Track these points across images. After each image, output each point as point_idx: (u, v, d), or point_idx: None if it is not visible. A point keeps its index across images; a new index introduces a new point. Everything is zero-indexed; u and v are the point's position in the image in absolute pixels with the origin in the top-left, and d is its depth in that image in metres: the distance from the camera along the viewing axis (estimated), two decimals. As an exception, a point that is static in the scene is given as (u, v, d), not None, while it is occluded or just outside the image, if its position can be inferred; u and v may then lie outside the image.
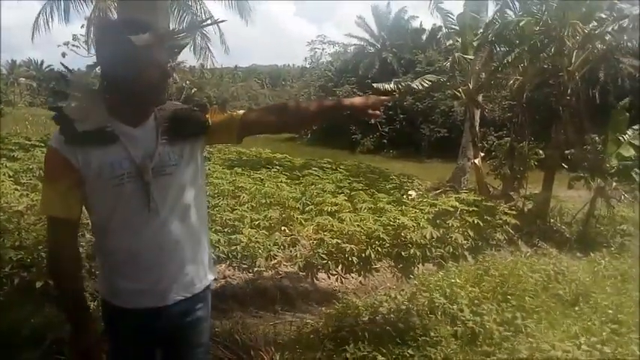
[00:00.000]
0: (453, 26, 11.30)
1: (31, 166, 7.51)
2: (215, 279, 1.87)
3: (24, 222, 5.02)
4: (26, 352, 3.19)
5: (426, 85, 10.88)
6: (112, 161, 1.61)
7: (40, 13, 14.86)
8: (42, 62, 58.11)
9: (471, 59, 10.02)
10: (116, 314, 1.78)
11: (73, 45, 8.67)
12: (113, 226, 1.68)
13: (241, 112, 1.83)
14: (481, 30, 10.07)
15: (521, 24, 8.20)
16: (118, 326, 1.81)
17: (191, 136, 1.74)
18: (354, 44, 34.67)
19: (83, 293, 1.80)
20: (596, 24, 8.20)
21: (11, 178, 6.79)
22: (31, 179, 6.91)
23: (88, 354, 1.74)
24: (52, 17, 14.69)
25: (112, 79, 1.63)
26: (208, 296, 1.92)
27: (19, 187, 6.29)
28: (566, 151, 8.50)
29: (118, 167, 1.61)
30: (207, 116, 1.76)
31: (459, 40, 10.64)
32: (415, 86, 11.08)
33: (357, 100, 1.83)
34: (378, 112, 1.83)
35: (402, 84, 11.39)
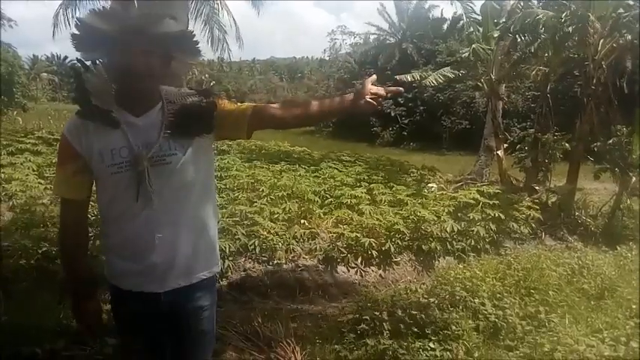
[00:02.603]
0: (473, 15, 11.09)
1: (54, 160, 7.63)
2: (222, 270, 1.90)
3: (48, 215, 5.11)
4: (50, 342, 3.25)
5: (441, 80, 10.70)
6: (112, 148, 1.67)
7: (59, 9, 15.00)
8: (65, 57, 59.02)
9: (491, 49, 9.84)
10: (117, 296, 1.86)
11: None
12: (113, 212, 1.76)
13: (250, 106, 1.82)
14: (503, 20, 9.86)
15: (540, 15, 8.01)
16: (120, 308, 1.89)
17: (196, 133, 1.74)
18: (374, 33, 34.41)
19: (87, 270, 1.87)
20: (623, 11, 7.96)
21: (35, 172, 6.92)
22: (54, 173, 7.03)
23: (89, 326, 1.88)
24: (76, 11, 14.72)
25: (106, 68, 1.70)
26: (211, 285, 1.94)
27: (42, 181, 6.41)
28: (593, 144, 8.29)
29: (117, 155, 1.67)
30: (214, 112, 1.76)
31: (480, 29, 10.44)
32: (429, 82, 10.93)
33: (359, 96, 1.77)
34: (375, 103, 1.78)
35: (420, 75, 11.23)
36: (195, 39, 1.75)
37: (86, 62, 1.71)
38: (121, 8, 1.65)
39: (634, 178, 7.62)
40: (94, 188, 1.80)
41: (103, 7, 1.70)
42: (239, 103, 1.86)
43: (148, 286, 1.78)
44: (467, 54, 9.89)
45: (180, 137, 1.72)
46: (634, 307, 4.18)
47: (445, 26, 29.76)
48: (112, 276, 1.85)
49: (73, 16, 14.81)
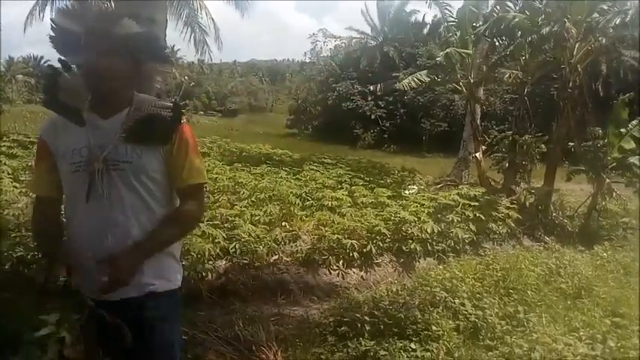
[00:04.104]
0: (452, 18, 11.22)
1: (29, 164, 7.48)
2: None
3: (23, 219, 5.00)
4: (27, 348, 3.18)
5: (414, 85, 10.81)
6: (74, 148, 1.69)
7: (33, 8, 14.70)
8: (41, 58, 57.90)
9: (469, 53, 9.95)
10: (75, 295, 1.80)
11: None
12: (70, 211, 1.77)
13: (196, 181, 1.81)
14: (480, 23, 10.00)
15: (516, 19, 8.14)
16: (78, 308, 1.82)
17: (150, 142, 1.72)
18: (355, 37, 34.54)
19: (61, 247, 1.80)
20: (597, 16, 8.14)
21: (10, 176, 6.76)
22: (30, 177, 6.88)
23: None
24: (50, 11, 14.43)
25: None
26: (167, 300, 1.83)
27: (17, 185, 6.26)
28: (569, 145, 8.45)
29: (77, 154, 1.69)
30: (175, 128, 1.73)
31: (458, 33, 10.56)
32: (402, 87, 11.08)
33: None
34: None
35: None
36: (160, 41, 1.73)
37: (69, 63, 1.70)
38: (80, 8, 1.65)
39: (607, 180, 7.78)
40: None
41: (66, 5, 1.68)
42: (192, 160, 1.79)
43: (97, 294, 1.71)
44: (441, 59, 9.97)
45: (137, 144, 1.70)
46: (611, 305, 4.28)
47: (426, 30, 30.06)
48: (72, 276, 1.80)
49: (44, 17, 14.54)
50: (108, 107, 1.71)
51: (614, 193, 7.99)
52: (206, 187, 1.87)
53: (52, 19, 1.65)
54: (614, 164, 7.89)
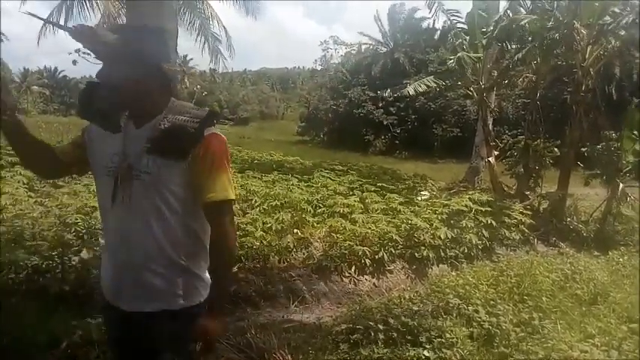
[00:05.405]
0: (460, 24, 11.18)
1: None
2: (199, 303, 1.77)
3: (38, 228, 5.06)
4: (41, 356, 3.21)
5: (420, 90, 10.78)
6: (108, 152, 1.74)
7: (49, 17, 14.84)
8: (56, 69, 58.85)
9: (479, 57, 9.91)
10: (102, 306, 1.89)
11: (84, 52, 8.56)
12: (101, 215, 1.84)
13: (219, 198, 1.69)
14: (491, 28, 9.95)
15: (526, 21, 8.09)
16: (104, 319, 1.95)
17: (168, 154, 1.68)
18: (365, 43, 34.63)
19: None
20: (609, 19, 8.07)
21: (25, 186, 6.84)
22: (44, 186, 6.96)
23: None
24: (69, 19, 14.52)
25: None
26: (196, 309, 1.78)
27: (32, 194, 6.34)
28: (582, 149, 8.36)
29: (108, 160, 1.73)
30: (197, 141, 1.67)
31: (468, 38, 10.51)
32: (406, 93, 11.05)
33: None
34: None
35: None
36: (159, 39, 1.75)
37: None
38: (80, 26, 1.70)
39: (621, 185, 7.67)
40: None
41: (74, 26, 1.71)
42: (218, 175, 1.69)
43: (116, 301, 1.76)
44: (452, 63, 9.93)
45: (157, 155, 1.67)
46: (627, 311, 4.21)
47: (436, 36, 29.99)
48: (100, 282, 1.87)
49: (57, 29, 14.64)
50: (141, 116, 1.73)
51: (628, 198, 7.88)
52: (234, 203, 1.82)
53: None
54: (629, 168, 7.77)
